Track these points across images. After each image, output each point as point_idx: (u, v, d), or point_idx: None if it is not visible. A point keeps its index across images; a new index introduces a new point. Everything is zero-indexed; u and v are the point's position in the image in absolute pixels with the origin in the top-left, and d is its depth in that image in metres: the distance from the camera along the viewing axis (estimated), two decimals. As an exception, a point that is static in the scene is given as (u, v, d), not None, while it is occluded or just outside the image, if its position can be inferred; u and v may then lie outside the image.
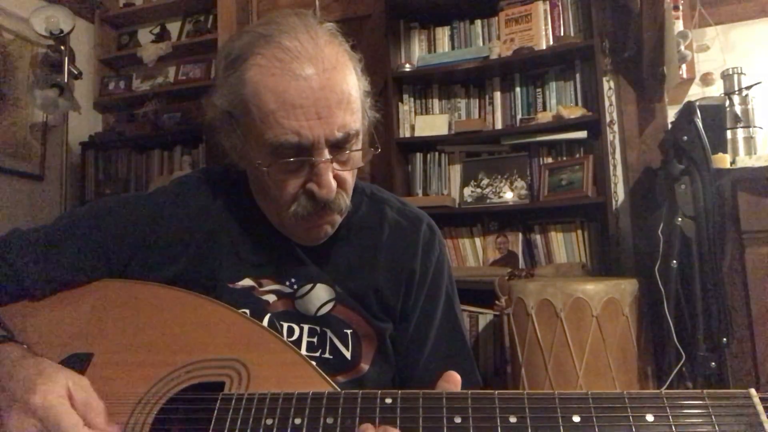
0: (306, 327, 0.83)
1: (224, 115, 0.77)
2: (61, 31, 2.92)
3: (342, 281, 0.85)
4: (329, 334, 0.83)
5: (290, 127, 0.70)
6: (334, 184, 0.75)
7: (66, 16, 2.94)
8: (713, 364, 1.79)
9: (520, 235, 2.62)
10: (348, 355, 0.83)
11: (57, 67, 3.08)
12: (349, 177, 0.80)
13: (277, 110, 0.70)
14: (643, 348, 1.88)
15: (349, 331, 0.84)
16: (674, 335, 1.83)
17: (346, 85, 0.74)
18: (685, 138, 1.92)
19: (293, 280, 0.84)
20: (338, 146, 0.74)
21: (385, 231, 0.88)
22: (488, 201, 2.66)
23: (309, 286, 0.84)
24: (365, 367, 0.84)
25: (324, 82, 0.71)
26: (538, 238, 2.59)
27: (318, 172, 0.74)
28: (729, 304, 1.85)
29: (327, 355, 0.82)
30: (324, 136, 0.72)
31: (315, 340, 0.82)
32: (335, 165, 0.75)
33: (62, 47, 3.00)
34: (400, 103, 2.83)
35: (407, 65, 2.77)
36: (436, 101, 2.85)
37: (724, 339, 1.80)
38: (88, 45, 3.54)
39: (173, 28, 3.54)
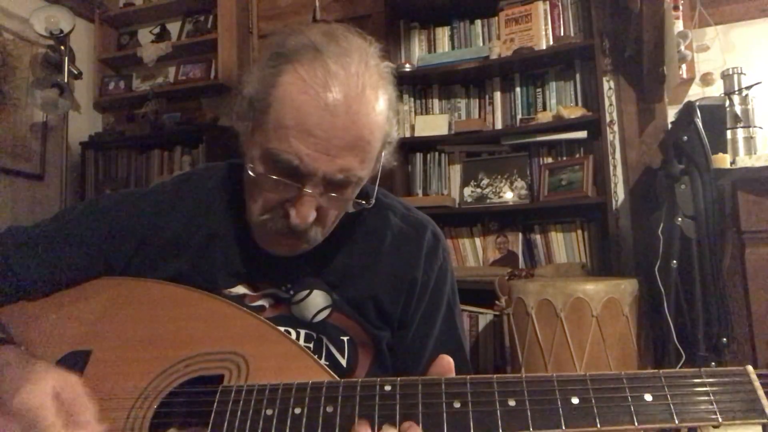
0: (303, 332, 0.82)
1: (246, 100, 0.74)
2: (61, 31, 2.93)
3: (340, 288, 0.84)
4: (325, 340, 0.82)
5: (296, 149, 0.69)
6: (311, 217, 0.73)
7: (66, 16, 2.95)
8: (713, 364, 1.79)
9: (520, 235, 2.62)
10: (343, 362, 0.82)
11: (57, 67, 3.09)
12: (333, 215, 0.78)
13: (292, 128, 0.68)
14: (643, 348, 1.88)
15: (345, 339, 0.83)
16: (674, 335, 1.83)
17: (369, 133, 0.71)
18: (685, 138, 1.92)
19: (289, 285, 0.83)
20: (333, 185, 0.72)
21: (388, 238, 0.86)
22: (488, 201, 2.66)
23: (305, 292, 0.83)
24: (361, 374, 0.83)
25: (348, 124, 0.69)
26: (538, 238, 2.59)
27: (301, 202, 0.72)
28: (729, 304, 1.85)
29: (322, 362, 0.81)
30: (323, 172, 0.70)
31: (311, 345, 0.82)
32: (322, 199, 0.73)
33: (62, 47, 3.00)
34: (399, 103, 2.83)
35: (407, 65, 2.78)
36: (436, 101, 2.85)
37: (724, 339, 1.80)
38: (88, 45, 3.54)
39: (173, 28, 3.54)
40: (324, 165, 0.69)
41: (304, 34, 0.72)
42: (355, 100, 0.69)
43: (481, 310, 2.44)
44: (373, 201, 0.78)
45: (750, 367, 0.55)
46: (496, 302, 2.05)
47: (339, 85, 0.68)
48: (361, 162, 0.72)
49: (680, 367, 1.82)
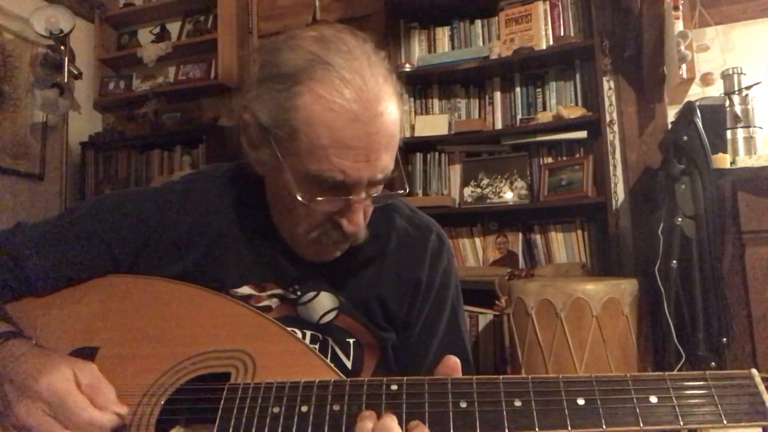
0: (308, 333, 0.82)
1: (260, 128, 0.73)
2: (61, 31, 2.92)
3: (346, 290, 0.84)
4: (331, 342, 0.83)
5: (338, 165, 0.70)
6: (363, 221, 0.76)
7: (66, 16, 2.94)
8: (713, 364, 1.79)
9: (520, 235, 2.62)
10: (349, 364, 0.82)
11: (57, 67, 3.09)
12: (371, 209, 0.80)
13: (329, 146, 0.69)
14: (643, 348, 1.88)
15: (351, 341, 0.83)
16: (674, 335, 1.83)
17: (395, 127, 0.75)
18: (685, 138, 1.92)
19: (297, 286, 0.84)
20: (374, 185, 0.75)
21: (393, 239, 0.87)
22: (488, 201, 2.66)
23: (313, 294, 0.83)
24: (366, 377, 0.83)
25: (379, 127, 0.71)
26: (538, 238, 2.59)
27: (353, 210, 0.74)
28: (729, 304, 1.85)
29: None
30: (367, 178, 0.72)
31: (317, 347, 0.82)
32: (367, 201, 0.76)
33: (62, 47, 3.00)
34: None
35: (407, 65, 2.78)
36: (436, 101, 2.85)
37: (724, 339, 1.80)
38: (88, 45, 3.54)
39: (173, 28, 3.54)
40: (367, 171, 0.72)
41: (300, 48, 0.72)
42: (377, 102, 0.71)
43: (481, 310, 2.44)
44: (407, 188, 0.81)
45: (755, 371, 0.56)
46: (496, 302, 2.05)
47: (359, 92, 0.69)
48: (392, 156, 0.76)
49: (680, 367, 1.82)
